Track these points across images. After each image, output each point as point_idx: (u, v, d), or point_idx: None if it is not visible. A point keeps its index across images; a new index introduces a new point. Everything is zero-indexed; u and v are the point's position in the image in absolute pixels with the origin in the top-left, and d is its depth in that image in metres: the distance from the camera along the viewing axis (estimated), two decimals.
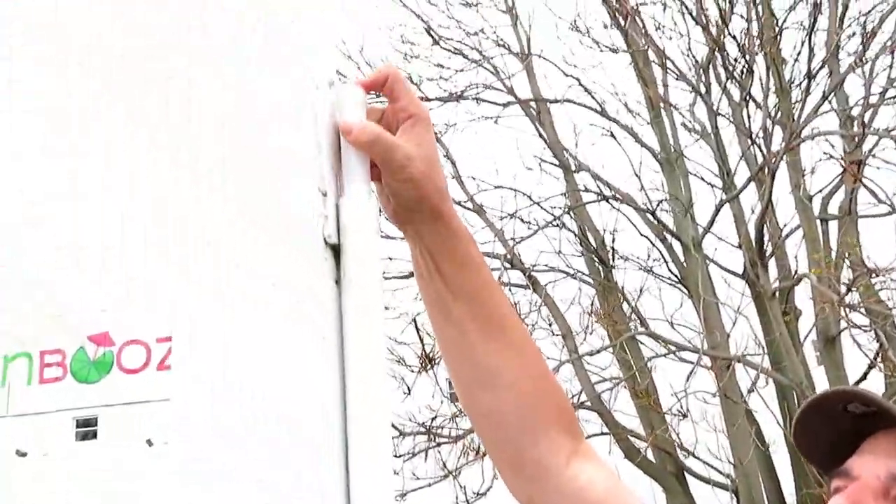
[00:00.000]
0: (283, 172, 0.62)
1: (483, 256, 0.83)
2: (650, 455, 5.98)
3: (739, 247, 6.13)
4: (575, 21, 7.02)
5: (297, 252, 0.60)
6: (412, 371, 5.90)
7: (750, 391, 5.70)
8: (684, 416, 5.79)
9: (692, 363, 5.31)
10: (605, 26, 7.09)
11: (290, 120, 0.64)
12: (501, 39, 7.39)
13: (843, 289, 5.38)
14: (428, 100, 7.27)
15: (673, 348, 5.70)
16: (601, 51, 7.00)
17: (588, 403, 5.80)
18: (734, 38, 6.63)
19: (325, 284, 0.61)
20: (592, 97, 6.94)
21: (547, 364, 0.88)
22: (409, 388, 5.88)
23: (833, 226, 6.22)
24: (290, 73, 0.66)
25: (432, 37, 7.32)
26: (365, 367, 0.61)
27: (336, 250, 0.63)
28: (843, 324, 5.56)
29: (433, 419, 5.77)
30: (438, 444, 5.67)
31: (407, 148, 0.71)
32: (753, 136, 6.27)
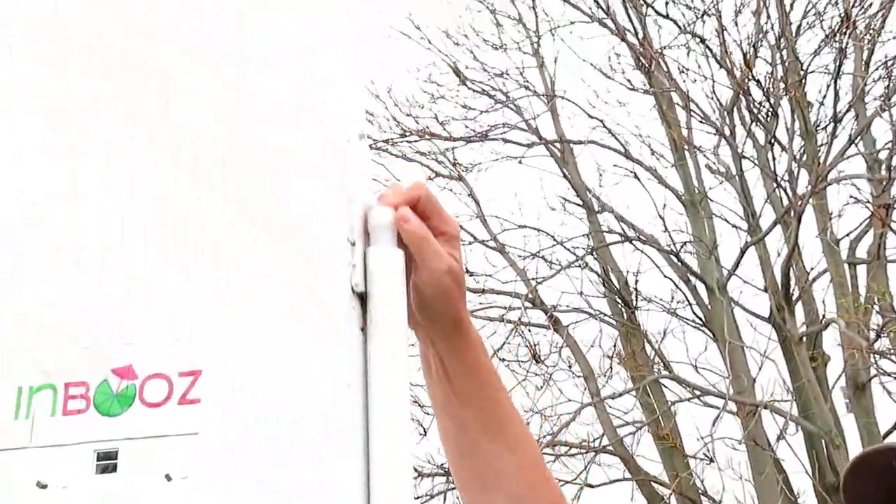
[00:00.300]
0: (312, 221, 0.63)
1: (492, 362, 0.85)
2: (674, 502, 5.82)
3: (765, 290, 6.04)
4: (609, 62, 7.07)
5: (323, 300, 0.61)
6: (427, 413, 5.84)
7: (779, 439, 5.55)
8: (711, 460, 5.65)
9: (717, 408, 5.20)
10: (633, 67, 7.14)
11: (318, 170, 0.64)
12: (527, 80, 7.47)
13: (873, 335, 5.26)
14: (454, 139, 7.34)
15: (697, 392, 5.58)
16: (631, 88, 7.03)
17: (610, 448, 5.69)
18: (758, 81, 6.63)
19: (351, 332, 0.61)
20: (616, 139, 6.97)
21: (544, 460, 0.90)
22: (425, 429, 5.83)
23: (861, 270, 6.11)
24: (319, 124, 0.66)
25: (459, 77, 7.42)
26: (388, 415, 0.61)
27: (363, 298, 0.63)
28: (872, 371, 5.42)
29: None
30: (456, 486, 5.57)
31: (449, 258, 0.73)
32: (779, 178, 6.23)
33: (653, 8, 7.03)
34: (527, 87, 7.38)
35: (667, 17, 6.99)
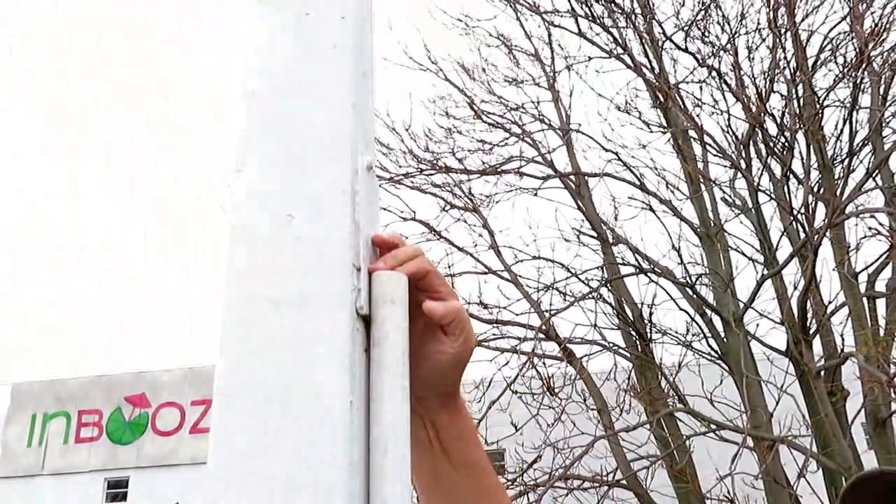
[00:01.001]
0: (320, 247, 0.64)
1: (476, 429, 0.87)
2: None
3: (782, 323, 5.97)
4: (626, 102, 7.12)
5: (330, 322, 0.62)
6: None
7: (799, 476, 5.44)
8: (731, 501, 5.54)
9: (733, 443, 5.11)
10: (651, 106, 7.18)
11: (328, 199, 0.66)
12: (542, 114, 7.53)
13: (893, 369, 5.17)
14: (469, 172, 7.39)
15: (713, 427, 5.50)
16: (645, 122, 7.07)
17: (624, 482, 5.60)
18: (773, 116, 6.63)
19: (355, 353, 0.62)
20: (632, 171, 6.98)
21: None
22: None
23: (881, 303, 6.03)
24: (331, 156, 0.67)
25: (475, 111, 7.49)
26: (390, 433, 0.62)
27: (367, 321, 0.65)
28: (893, 406, 5.31)
29: None
30: None
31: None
32: (795, 211, 6.19)
33: (671, 41, 7.09)
34: (542, 121, 7.44)
35: (685, 50, 7.04)
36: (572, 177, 7.11)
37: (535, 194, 7.25)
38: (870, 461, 5.48)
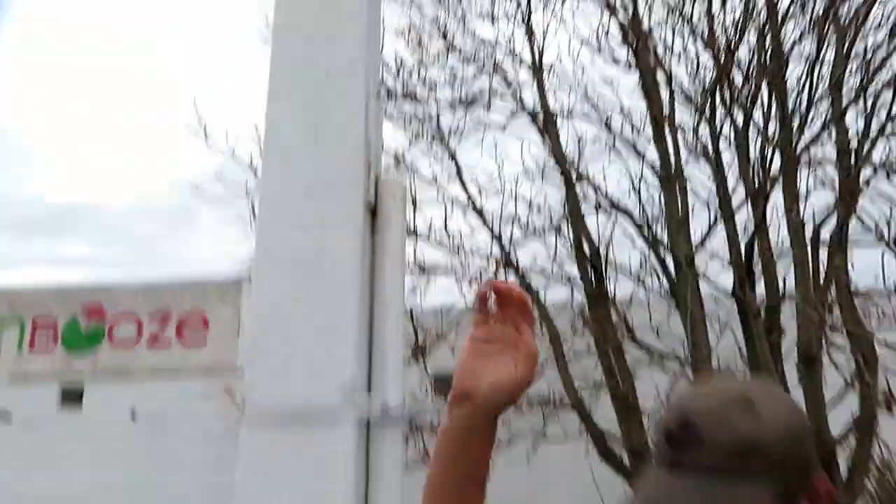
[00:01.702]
0: (341, 156, 0.79)
1: None
2: (626, 458, 6.10)
3: (731, 265, 6.27)
4: (598, 36, 7.18)
5: (348, 210, 0.77)
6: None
7: None
8: None
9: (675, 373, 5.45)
10: (621, 43, 7.26)
11: (347, 122, 0.79)
12: (514, 51, 7.57)
13: (827, 311, 5.52)
14: (439, 102, 7.45)
15: (658, 356, 5.84)
16: (616, 63, 7.16)
17: (568, 403, 5.93)
18: (740, 66, 6.79)
19: (366, 235, 0.77)
20: (597, 112, 7.12)
21: None
22: None
23: (824, 252, 6.34)
24: (348, 83, 0.80)
25: (446, 42, 7.51)
26: (389, 295, 0.79)
27: (373, 212, 0.81)
28: (824, 344, 5.69)
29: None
30: (421, 432, 5.80)
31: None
32: (752, 159, 6.43)
33: None
34: (514, 56, 7.50)
35: None
36: (540, 114, 7.24)
37: (504, 130, 7.37)
38: (798, 395, 5.89)
